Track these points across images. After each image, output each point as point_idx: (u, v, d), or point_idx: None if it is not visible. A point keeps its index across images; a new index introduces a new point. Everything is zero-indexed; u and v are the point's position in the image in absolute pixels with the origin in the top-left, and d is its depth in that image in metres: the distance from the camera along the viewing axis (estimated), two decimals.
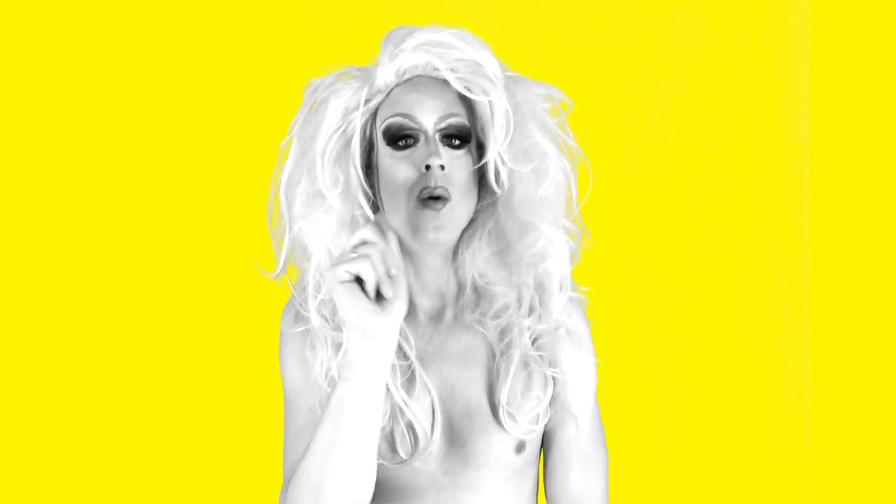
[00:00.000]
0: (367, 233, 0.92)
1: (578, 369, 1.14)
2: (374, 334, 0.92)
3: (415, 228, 1.05)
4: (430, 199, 1.04)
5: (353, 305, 0.91)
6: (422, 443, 1.08)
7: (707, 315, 1.84)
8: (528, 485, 1.14)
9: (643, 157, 1.83)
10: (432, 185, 1.04)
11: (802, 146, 1.81)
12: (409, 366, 1.10)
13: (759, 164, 1.83)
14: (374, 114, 1.10)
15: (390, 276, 0.92)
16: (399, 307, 0.92)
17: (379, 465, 1.07)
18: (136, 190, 1.85)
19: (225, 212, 1.80)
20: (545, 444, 1.17)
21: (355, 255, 0.91)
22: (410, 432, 1.08)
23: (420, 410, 1.09)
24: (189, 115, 1.84)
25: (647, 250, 1.85)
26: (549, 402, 1.13)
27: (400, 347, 1.10)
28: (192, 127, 1.84)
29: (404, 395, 1.08)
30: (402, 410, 1.08)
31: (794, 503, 1.83)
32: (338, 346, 1.09)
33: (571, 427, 1.15)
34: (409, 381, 1.10)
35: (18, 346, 1.85)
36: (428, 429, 1.08)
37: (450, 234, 1.07)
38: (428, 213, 1.04)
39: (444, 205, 1.04)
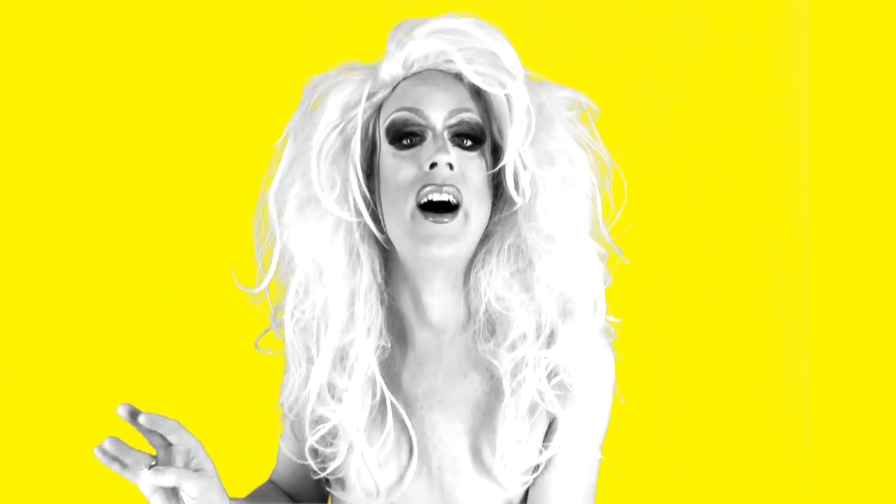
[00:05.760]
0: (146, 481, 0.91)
1: (588, 413, 0.97)
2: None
3: (416, 240, 0.92)
4: (436, 205, 0.92)
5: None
6: (371, 492, 0.98)
7: (707, 315, 1.84)
8: None
9: (643, 158, 1.82)
10: (438, 182, 0.91)
11: (802, 146, 1.80)
12: (384, 409, 0.98)
13: (759, 164, 1.82)
14: (378, 111, 0.98)
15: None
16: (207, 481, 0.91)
17: None
18: (124, 189, 1.83)
19: (215, 217, 1.77)
20: (529, 494, 0.99)
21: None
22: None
23: (375, 460, 0.98)
24: (181, 116, 1.81)
25: (646, 250, 1.84)
26: (547, 445, 0.97)
27: (374, 384, 0.99)
28: (183, 128, 1.81)
29: (363, 441, 0.98)
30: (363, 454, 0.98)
31: (794, 503, 1.83)
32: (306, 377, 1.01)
33: (563, 482, 0.97)
34: (377, 425, 0.99)
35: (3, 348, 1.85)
36: (379, 480, 0.98)
37: (459, 249, 0.94)
38: (432, 224, 0.92)
39: (451, 217, 0.92)
